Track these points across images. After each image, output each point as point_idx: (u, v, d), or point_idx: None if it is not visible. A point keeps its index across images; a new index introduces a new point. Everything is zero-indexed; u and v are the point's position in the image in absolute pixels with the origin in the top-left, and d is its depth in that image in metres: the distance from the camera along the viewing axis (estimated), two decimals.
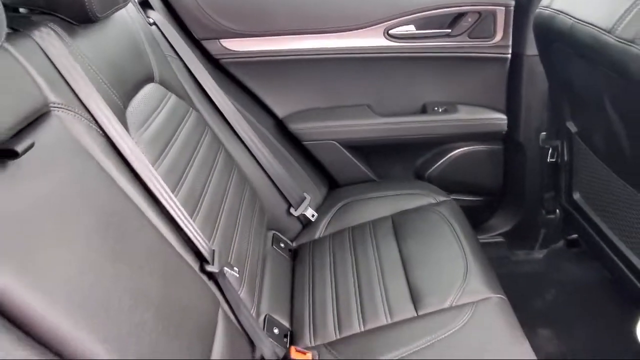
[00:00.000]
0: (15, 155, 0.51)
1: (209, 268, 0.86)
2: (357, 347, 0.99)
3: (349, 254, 1.23)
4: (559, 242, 1.65)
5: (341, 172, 1.51)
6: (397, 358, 0.92)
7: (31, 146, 0.54)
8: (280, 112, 1.43)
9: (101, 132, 0.73)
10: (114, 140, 0.74)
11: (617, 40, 0.80)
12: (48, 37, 0.70)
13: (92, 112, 0.71)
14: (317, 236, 1.35)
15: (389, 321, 1.02)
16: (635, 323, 0.95)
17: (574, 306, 1.50)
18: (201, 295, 0.81)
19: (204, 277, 0.85)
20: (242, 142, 1.26)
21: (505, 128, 1.46)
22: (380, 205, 1.37)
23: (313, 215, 1.37)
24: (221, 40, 1.31)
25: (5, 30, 0.55)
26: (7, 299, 0.47)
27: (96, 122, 0.72)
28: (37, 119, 0.62)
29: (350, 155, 1.49)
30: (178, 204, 0.84)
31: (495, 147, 1.53)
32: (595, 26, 0.85)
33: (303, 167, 1.45)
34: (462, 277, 1.06)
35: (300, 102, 1.43)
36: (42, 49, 0.68)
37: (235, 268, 0.92)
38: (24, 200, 0.53)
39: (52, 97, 0.66)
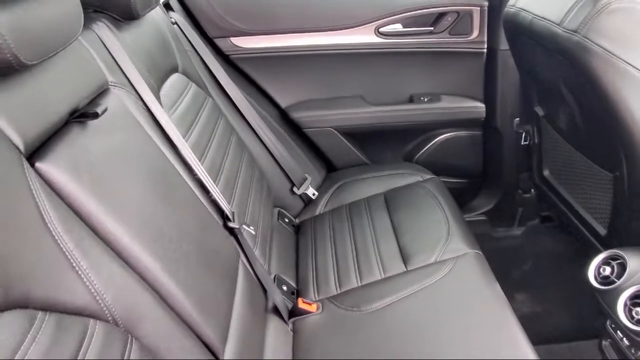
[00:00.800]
0: (96, 116, 0.68)
1: (230, 224, 1.02)
2: (355, 298, 1.15)
3: (347, 225, 1.39)
4: (535, 219, 1.82)
5: (338, 157, 1.67)
6: (388, 303, 1.09)
7: (105, 110, 0.70)
8: (283, 102, 1.59)
9: (145, 107, 0.89)
10: (155, 115, 0.90)
11: (564, 31, 0.98)
12: (103, 30, 0.86)
13: (138, 91, 0.88)
14: (317, 212, 1.51)
15: (382, 276, 1.19)
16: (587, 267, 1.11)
17: (548, 274, 1.67)
18: (226, 244, 0.97)
19: (227, 232, 1.01)
20: (251, 127, 1.43)
21: (484, 115, 1.64)
22: (374, 184, 1.53)
23: (314, 194, 1.53)
24: (231, 38, 1.47)
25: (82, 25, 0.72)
26: (94, 219, 0.63)
27: (141, 99, 0.88)
28: (100, 93, 0.78)
29: (346, 141, 1.65)
30: (204, 171, 1.00)
31: (475, 132, 1.70)
32: (548, 20, 1.03)
33: (304, 152, 1.62)
34: (445, 238, 1.23)
35: (301, 93, 1.60)
36: (100, 39, 0.84)
37: (251, 227, 1.08)
38: (101, 148, 0.69)
39: (110, 77, 0.82)
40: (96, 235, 0.62)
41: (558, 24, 1.00)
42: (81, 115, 0.67)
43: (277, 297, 1.11)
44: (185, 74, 1.19)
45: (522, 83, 1.51)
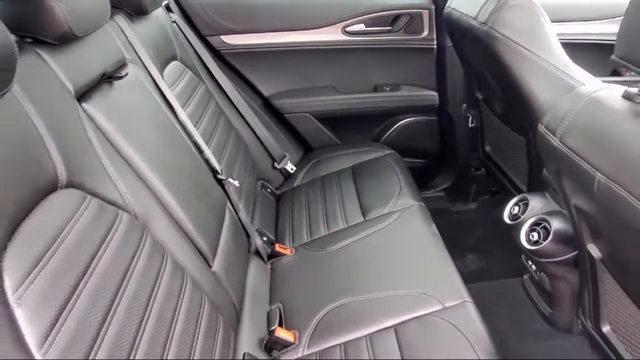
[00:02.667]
0: (120, 78, 0.94)
1: (218, 176, 1.28)
2: (322, 242, 1.41)
3: (319, 193, 1.65)
4: (486, 195, 2.09)
5: (314, 138, 1.94)
6: (348, 244, 1.35)
7: (127, 74, 0.97)
8: (265, 91, 1.86)
9: (152, 80, 1.16)
10: (161, 88, 1.17)
11: (478, 23, 1.26)
12: (121, 21, 1.14)
13: (147, 67, 1.15)
14: (295, 184, 1.78)
15: (345, 225, 1.45)
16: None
17: (495, 239, 1.92)
18: (215, 189, 1.23)
19: (216, 182, 1.28)
20: (238, 111, 1.69)
21: (437, 102, 1.92)
22: (344, 160, 1.80)
23: (292, 169, 1.80)
24: (221, 36, 1.75)
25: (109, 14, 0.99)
26: (120, 146, 0.90)
27: (150, 74, 1.15)
28: (121, 65, 1.05)
29: (321, 125, 1.92)
30: (198, 134, 1.27)
31: (431, 117, 1.98)
32: (468, 15, 1.32)
33: (284, 134, 1.89)
34: (397, 195, 1.49)
35: (281, 83, 1.87)
36: (119, 27, 1.12)
37: (237, 181, 1.34)
38: (124, 101, 0.96)
39: (126, 55, 1.09)
40: (121, 157, 0.89)
41: (474, 18, 1.28)
42: (110, 77, 0.94)
43: (258, 242, 1.37)
44: (182, 62, 1.46)
45: (465, 73, 1.79)
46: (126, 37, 1.12)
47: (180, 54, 1.46)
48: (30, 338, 0.53)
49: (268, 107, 1.87)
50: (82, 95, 0.87)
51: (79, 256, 0.66)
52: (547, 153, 0.85)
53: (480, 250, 1.87)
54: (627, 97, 0.72)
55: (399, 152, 1.86)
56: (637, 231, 0.62)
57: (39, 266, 0.58)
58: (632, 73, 1.75)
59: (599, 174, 0.67)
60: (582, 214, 0.92)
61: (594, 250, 0.96)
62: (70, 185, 0.72)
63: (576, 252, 1.11)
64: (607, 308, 1.03)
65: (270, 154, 1.77)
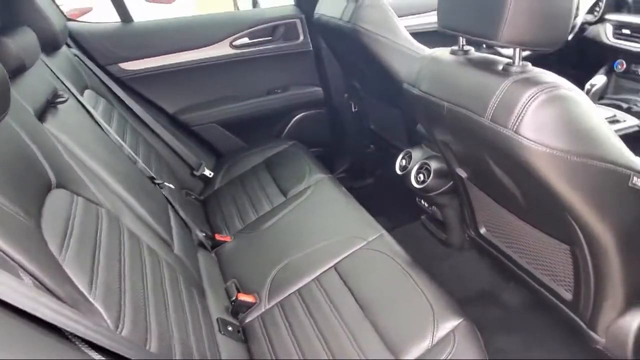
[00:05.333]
0: (65, 101, 1.08)
1: (155, 181, 1.43)
2: (254, 225, 1.60)
3: (240, 189, 1.85)
4: (380, 170, 2.44)
5: (223, 145, 2.13)
6: (275, 222, 1.57)
7: (68, 99, 1.10)
8: (170, 109, 2.01)
9: (82, 107, 1.29)
10: (91, 112, 1.30)
11: (344, 22, 1.58)
12: (42, 56, 1.25)
13: (76, 95, 1.27)
14: (216, 187, 1.95)
15: (271, 207, 1.67)
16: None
17: (396, 202, 2.26)
18: (156, 192, 1.39)
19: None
20: (151, 129, 1.83)
21: (322, 96, 2.23)
22: (255, 158, 2.01)
23: (210, 174, 1.97)
24: (119, 64, 1.87)
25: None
26: (80, 158, 1.03)
27: (78, 101, 1.28)
28: (55, 94, 1.17)
29: (227, 132, 2.12)
30: (129, 149, 1.41)
31: (320, 110, 2.28)
32: (334, 17, 1.64)
33: (196, 144, 2.05)
34: (308, 173, 1.75)
35: (184, 100, 2.03)
36: (43, 61, 1.23)
37: (171, 184, 1.50)
38: (73, 123, 1.09)
39: (56, 85, 1.21)
40: (84, 165, 1.03)
41: (340, 18, 1.60)
42: (54, 102, 1.07)
43: (200, 234, 1.53)
44: (93, 89, 1.57)
45: (341, 67, 2.13)
46: (51, 70, 1.23)
47: (91, 83, 1.57)
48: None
49: (176, 122, 2.02)
50: (39, 117, 0.99)
51: (87, 242, 0.81)
52: (412, 101, 1.18)
53: (385, 212, 2.21)
54: (453, 53, 1.07)
55: None
56: (480, 138, 0.95)
57: (67, 234, 0.73)
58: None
59: (446, 103, 1.00)
60: (446, 146, 1.27)
61: (462, 172, 1.32)
62: (59, 186, 0.86)
63: (451, 182, 1.48)
64: (481, 214, 1.39)
65: (187, 164, 1.92)
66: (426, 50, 1.41)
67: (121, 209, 1.05)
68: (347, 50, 1.80)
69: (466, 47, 1.04)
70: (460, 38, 1.03)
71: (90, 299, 0.70)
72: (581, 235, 0.91)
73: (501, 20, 0.82)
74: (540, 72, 0.86)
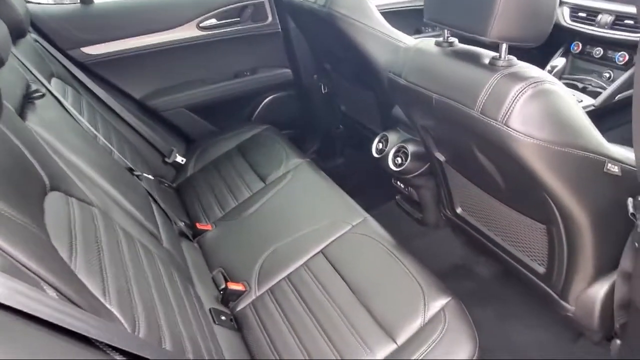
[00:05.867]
0: (42, 96, 1.03)
1: (135, 173, 1.40)
2: (235, 213, 1.60)
3: (216, 175, 1.84)
4: (350, 150, 2.48)
5: (193, 129, 2.10)
6: (257, 209, 1.58)
7: (44, 94, 1.05)
8: (137, 94, 1.94)
9: (54, 98, 1.23)
10: (62, 103, 1.24)
11: (318, 6, 1.57)
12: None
13: (47, 86, 1.21)
14: (189, 174, 1.92)
15: (251, 194, 1.67)
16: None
17: (356, 172, 2.29)
18: (137, 183, 1.36)
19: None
20: (119, 116, 1.76)
21: (292, 77, 2.22)
22: (227, 143, 1.99)
23: (182, 160, 1.94)
24: (82, 48, 1.78)
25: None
26: (62, 153, 1.00)
27: (50, 92, 1.22)
28: (28, 86, 1.11)
29: (196, 116, 2.08)
30: (105, 141, 1.36)
31: (290, 92, 2.28)
32: (308, 0, 1.62)
33: (166, 130, 2.00)
34: (285, 159, 1.76)
35: (150, 84, 1.97)
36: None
37: (149, 175, 1.47)
38: (52, 118, 1.04)
39: (27, 77, 1.15)
40: (68, 162, 0.99)
41: (314, 2, 1.60)
42: (31, 97, 1.01)
43: (180, 224, 1.52)
44: (59, 77, 1.49)
45: (311, 48, 2.12)
46: (19, 60, 1.16)
47: (56, 71, 1.49)
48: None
49: (143, 108, 1.96)
50: (20, 115, 0.94)
51: (91, 247, 0.80)
52: (397, 91, 1.21)
53: (359, 193, 2.26)
54: (438, 44, 1.10)
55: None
56: (468, 128, 0.99)
57: (72, 240, 0.72)
58: (429, 30, 2.29)
59: (434, 94, 1.04)
60: (426, 131, 1.32)
61: (440, 156, 1.38)
62: (53, 189, 0.83)
63: (428, 164, 1.54)
64: (456, 194, 1.46)
65: (159, 151, 1.88)
66: (400, 37, 1.44)
67: (110, 206, 1.03)
68: (319, 34, 1.80)
69: (450, 39, 1.08)
70: (446, 30, 1.06)
71: (107, 305, 0.70)
72: (558, 216, 0.99)
73: (490, 17, 0.86)
74: (525, 67, 0.91)
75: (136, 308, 0.78)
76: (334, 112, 2.31)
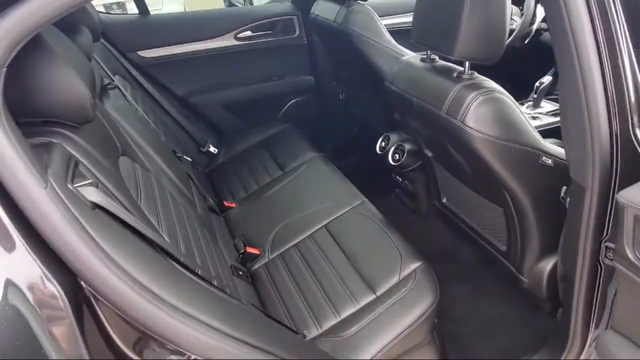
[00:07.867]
0: (115, 87, 1.35)
1: (177, 154, 1.72)
2: (258, 193, 1.91)
3: (243, 166, 2.14)
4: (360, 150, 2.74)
5: (225, 124, 2.42)
6: (275, 191, 1.88)
7: (116, 86, 1.37)
8: (180, 92, 2.28)
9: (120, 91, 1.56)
10: (126, 95, 1.57)
11: (337, 24, 1.87)
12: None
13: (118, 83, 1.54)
14: (219, 162, 2.24)
15: (272, 179, 1.97)
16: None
17: (365, 171, 2.56)
18: (179, 163, 1.68)
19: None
20: (165, 110, 2.10)
21: (314, 84, 2.52)
22: (254, 137, 2.30)
23: (215, 150, 2.26)
24: (138, 52, 2.13)
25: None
26: (134, 141, 1.32)
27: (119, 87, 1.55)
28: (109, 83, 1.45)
29: (228, 113, 2.41)
30: (157, 127, 1.69)
31: (312, 97, 2.58)
32: (329, 19, 1.93)
33: (202, 124, 2.33)
34: (302, 153, 2.06)
35: (192, 84, 2.31)
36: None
37: (188, 157, 1.79)
38: (122, 106, 1.37)
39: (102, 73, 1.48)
40: (132, 139, 1.31)
41: (333, 20, 1.90)
42: (108, 87, 1.34)
43: (211, 201, 1.83)
44: (120, 75, 1.84)
45: (331, 59, 2.42)
46: (95, 59, 1.50)
47: (118, 69, 1.83)
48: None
49: (185, 104, 2.30)
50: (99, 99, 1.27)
51: (151, 206, 1.11)
52: (391, 97, 1.49)
53: (365, 187, 2.54)
54: (422, 60, 1.38)
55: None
56: (439, 126, 1.26)
57: (137, 187, 1.03)
58: None
59: (415, 99, 1.31)
60: (416, 131, 1.59)
61: (428, 152, 1.64)
62: (123, 154, 1.15)
63: (421, 161, 1.80)
64: (442, 186, 1.72)
65: (195, 140, 2.20)
66: (404, 52, 1.72)
67: (161, 175, 1.34)
68: (338, 47, 2.10)
69: (432, 56, 1.36)
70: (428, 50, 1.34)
71: (160, 232, 1.01)
72: (509, 199, 1.25)
73: (456, 41, 1.13)
74: (482, 80, 1.18)
75: (179, 238, 1.08)
76: (350, 116, 2.60)
